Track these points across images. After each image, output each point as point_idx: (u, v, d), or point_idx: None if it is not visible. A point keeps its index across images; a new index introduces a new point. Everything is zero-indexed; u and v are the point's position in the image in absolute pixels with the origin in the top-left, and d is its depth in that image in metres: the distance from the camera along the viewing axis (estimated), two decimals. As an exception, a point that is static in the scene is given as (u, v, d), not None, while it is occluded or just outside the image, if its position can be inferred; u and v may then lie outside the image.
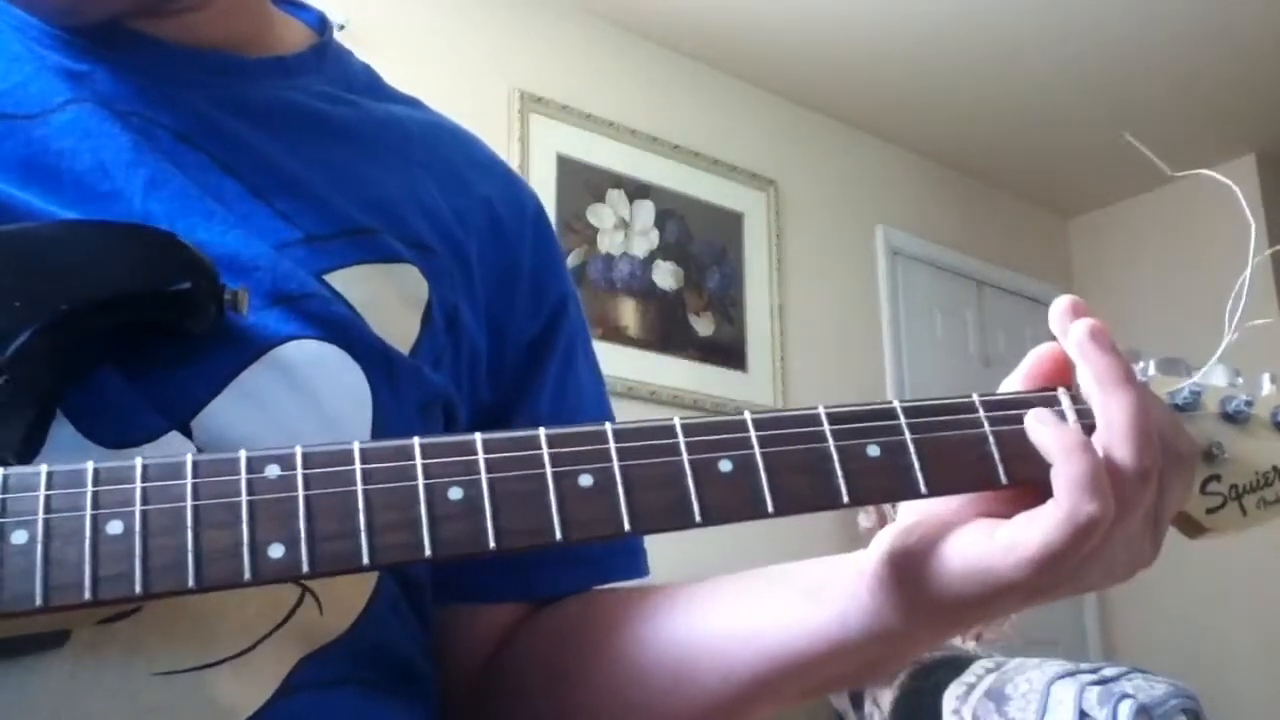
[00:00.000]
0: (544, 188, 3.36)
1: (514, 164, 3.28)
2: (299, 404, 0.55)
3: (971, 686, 2.58)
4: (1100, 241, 4.92)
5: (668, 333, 3.57)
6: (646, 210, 3.62)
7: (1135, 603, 4.61)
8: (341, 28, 2.96)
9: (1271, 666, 4.15)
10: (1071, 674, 2.46)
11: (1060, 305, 0.52)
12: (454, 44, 3.33)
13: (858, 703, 2.83)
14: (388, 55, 3.11)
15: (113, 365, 0.52)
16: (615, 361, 3.30)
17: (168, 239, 0.53)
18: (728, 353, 3.68)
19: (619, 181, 3.57)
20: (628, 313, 3.50)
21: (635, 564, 0.71)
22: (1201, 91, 4.02)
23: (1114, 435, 0.49)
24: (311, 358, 0.56)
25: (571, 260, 3.39)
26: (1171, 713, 2.32)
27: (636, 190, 3.61)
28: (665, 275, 3.62)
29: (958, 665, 2.70)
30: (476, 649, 0.67)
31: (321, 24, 0.73)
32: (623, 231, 3.55)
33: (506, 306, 0.69)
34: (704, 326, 3.67)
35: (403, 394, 0.59)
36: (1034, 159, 4.56)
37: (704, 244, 3.73)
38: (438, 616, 0.65)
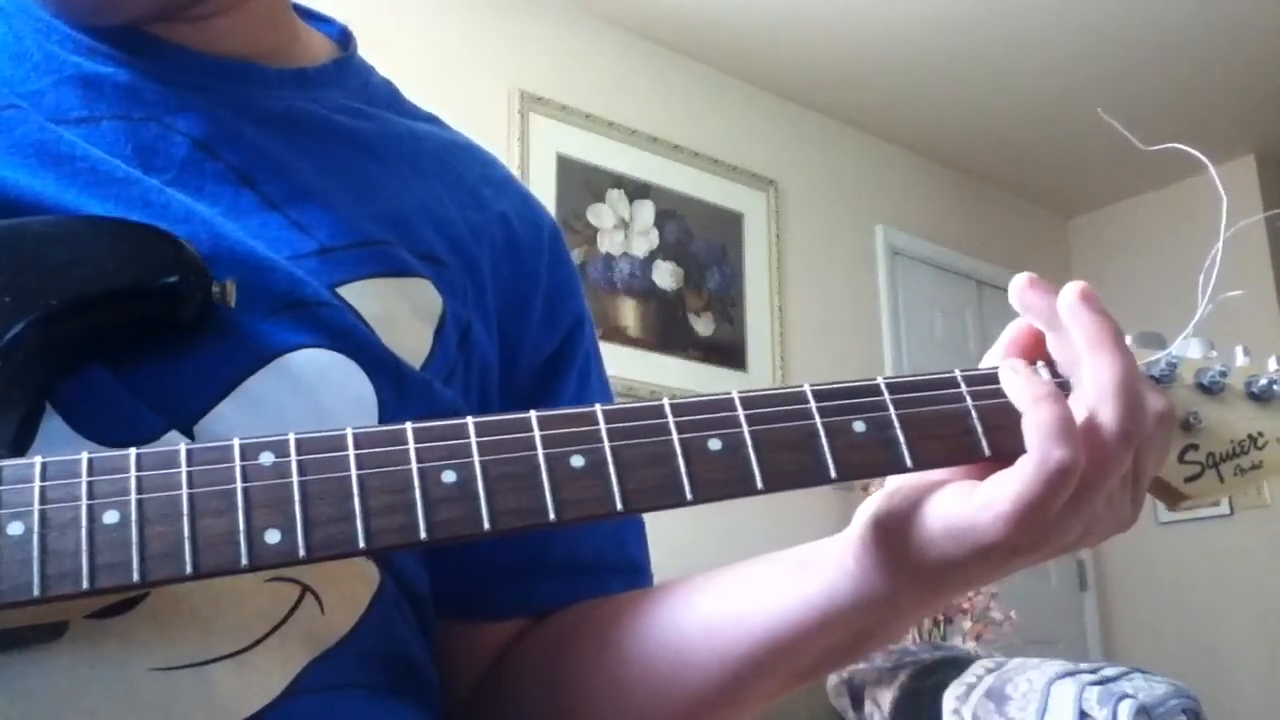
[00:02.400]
0: (544, 188, 3.36)
1: (514, 164, 3.28)
2: (304, 413, 0.54)
3: (971, 686, 2.58)
4: (1100, 241, 4.92)
5: (668, 333, 3.57)
6: (646, 210, 3.62)
7: (1135, 603, 4.61)
8: (342, 28, 2.96)
9: (1271, 667, 4.15)
10: (1071, 674, 2.46)
11: (1020, 283, 0.53)
12: (454, 44, 3.33)
13: (858, 703, 2.83)
14: (388, 55, 3.10)
15: (107, 362, 0.52)
16: (615, 361, 3.30)
17: (156, 233, 0.53)
18: (728, 352, 3.69)
19: (619, 181, 3.57)
20: (628, 313, 3.50)
21: (639, 580, 0.71)
22: (1201, 92, 4.02)
23: (1103, 394, 0.49)
24: (319, 367, 0.55)
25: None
26: (1171, 713, 2.32)
27: (636, 190, 3.61)
28: (665, 275, 3.62)
29: (958, 665, 2.70)
30: (476, 663, 0.67)
31: (344, 37, 0.73)
32: (623, 231, 3.55)
33: (520, 322, 0.69)
34: (704, 326, 3.67)
35: (410, 407, 0.58)
36: (1034, 159, 4.56)
37: (704, 244, 3.73)
38: (440, 631, 0.65)
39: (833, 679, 2.89)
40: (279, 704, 0.51)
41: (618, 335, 3.45)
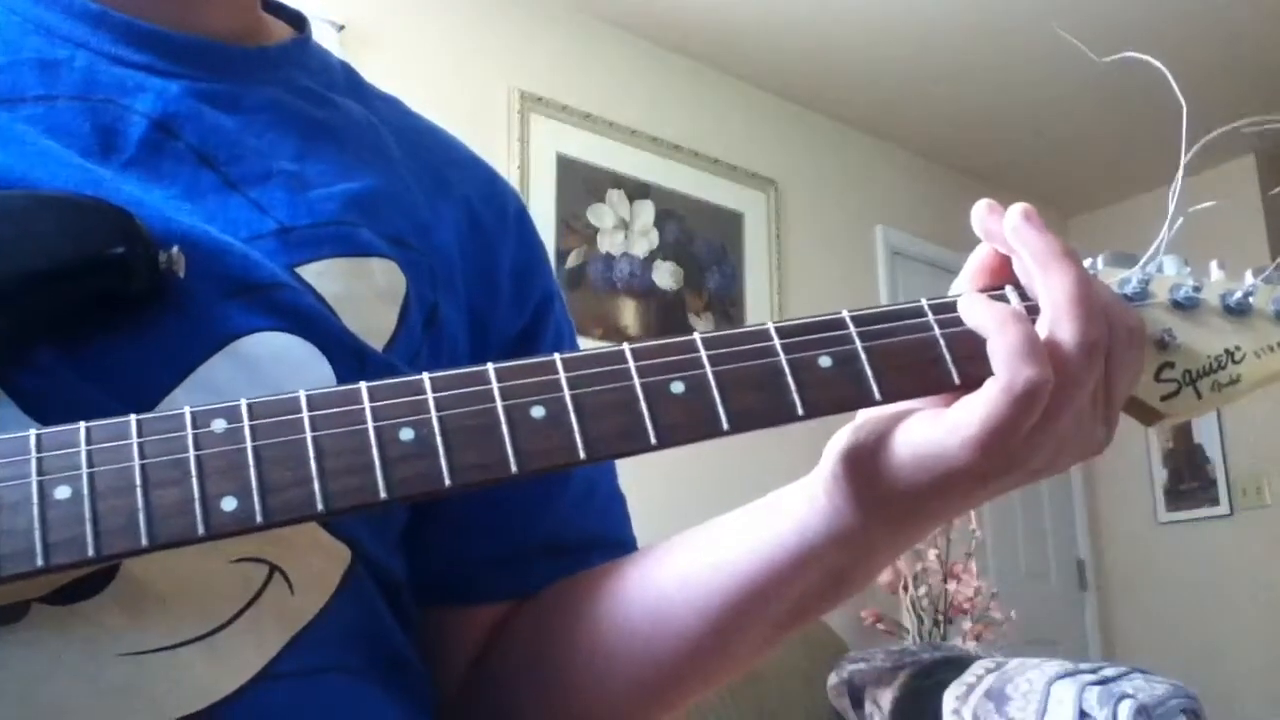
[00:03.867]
0: (544, 188, 3.36)
1: (514, 164, 3.28)
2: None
3: (971, 686, 2.58)
4: (1101, 241, 4.90)
5: (668, 333, 3.55)
6: (646, 210, 3.62)
7: (1135, 603, 4.61)
8: (342, 28, 2.96)
9: (1271, 667, 4.14)
10: (1071, 674, 2.46)
11: (979, 209, 0.53)
12: (453, 44, 3.33)
13: (858, 703, 2.83)
14: (387, 55, 3.12)
15: (62, 349, 0.51)
16: (615, 361, 3.29)
17: (101, 206, 0.52)
18: (728, 353, 3.68)
19: (619, 181, 3.57)
20: (628, 313, 3.50)
21: (624, 555, 0.70)
22: (1201, 92, 4.02)
23: (1057, 309, 0.48)
24: (276, 351, 0.55)
25: (571, 260, 3.39)
26: (1171, 713, 2.32)
27: (636, 190, 3.61)
28: (665, 275, 3.62)
29: (958, 665, 2.70)
30: (464, 650, 0.67)
31: (300, 23, 0.73)
32: (623, 231, 3.55)
33: (489, 303, 0.68)
34: (704, 326, 3.65)
35: None
36: (1034, 159, 4.56)
37: (704, 244, 3.73)
38: (425, 620, 0.65)
39: (833, 679, 2.89)
40: (252, 687, 0.50)
41: (618, 335, 3.45)
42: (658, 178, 3.66)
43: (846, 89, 4.07)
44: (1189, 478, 4.48)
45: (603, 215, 3.51)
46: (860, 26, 3.73)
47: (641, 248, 3.59)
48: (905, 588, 3.37)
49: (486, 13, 3.43)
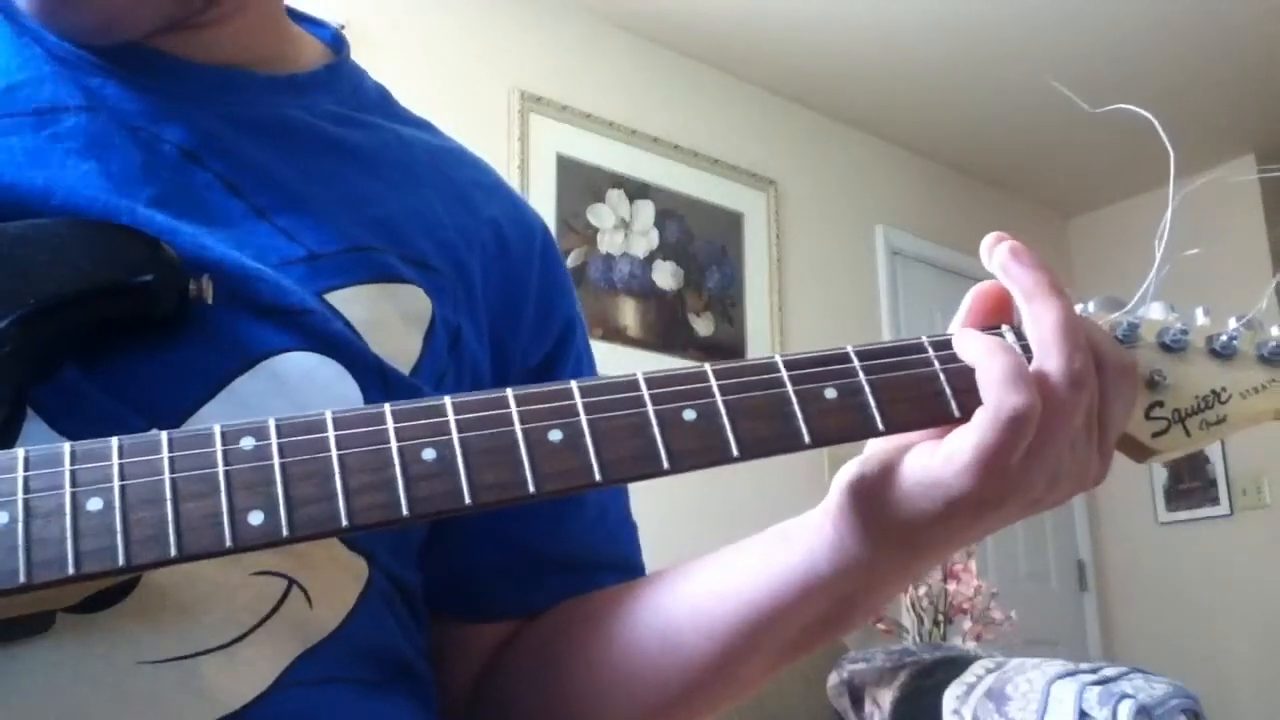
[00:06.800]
0: (544, 188, 3.36)
1: (514, 164, 3.29)
2: (291, 415, 0.55)
3: (971, 686, 2.58)
4: (1100, 241, 4.92)
5: (668, 333, 3.57)
6: (646, 210, 3.62)
7: (1135, 603, 4.61)
8: (342, 27, 2.96)
9: (1271, 667, 4.15)
10: (1071, 674, 2.46)
11: (986, 243, 0.55)
12: (454, 44, 3.33)
13: (858, 703, 2.83)
14: (388, 55, 3.12)
15: (90, 365, 0.52)
16: (615, 362, 3.30)
17: (132, 233, 0.53)
18: (728, 353, 3.68)
19: (619, 181, 3.57)
20: (628, 313, 3.50)
21: (632, 577, 0.71)
22: (1201, 91, 4.02)
23: (1043, 340, 0.51)
24: (305, 370, 0.56)
25: (571, 260, 3.39)
26: (1171, 713, 2.32)
27: (636, 190, 3.61)
28: (665, 275, 3.62)
29: (958, 665, 2.70)
30: (472, 662, 0.68)
31: (337, 41, 0.74)
32: (623, 231, 3.55)
33: (511, 327, 0.69)
34: (704, 326, 3.67)
35: None
36: (1034, 159, 4.56)
37: (704, 244, 3.73)
38: (434, 630, 0.66)
39: (833, 679, 2.89)
40: (267, 696, 0.51)
41: (618, 335, 3.45)
42: (658, 178, 3.66)
43: (846, 89, 4.08)
44: (1189, 478, 4.48)
45: (603, 215, 3.51)
46: (861, 26, 3.73)
47: (641, 248, 3.59)
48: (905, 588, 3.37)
49: (487, 13, 3.43)
